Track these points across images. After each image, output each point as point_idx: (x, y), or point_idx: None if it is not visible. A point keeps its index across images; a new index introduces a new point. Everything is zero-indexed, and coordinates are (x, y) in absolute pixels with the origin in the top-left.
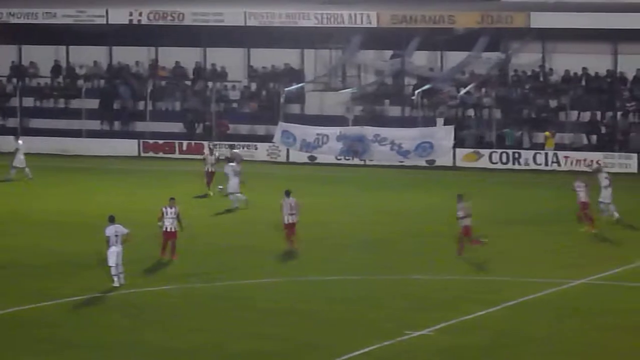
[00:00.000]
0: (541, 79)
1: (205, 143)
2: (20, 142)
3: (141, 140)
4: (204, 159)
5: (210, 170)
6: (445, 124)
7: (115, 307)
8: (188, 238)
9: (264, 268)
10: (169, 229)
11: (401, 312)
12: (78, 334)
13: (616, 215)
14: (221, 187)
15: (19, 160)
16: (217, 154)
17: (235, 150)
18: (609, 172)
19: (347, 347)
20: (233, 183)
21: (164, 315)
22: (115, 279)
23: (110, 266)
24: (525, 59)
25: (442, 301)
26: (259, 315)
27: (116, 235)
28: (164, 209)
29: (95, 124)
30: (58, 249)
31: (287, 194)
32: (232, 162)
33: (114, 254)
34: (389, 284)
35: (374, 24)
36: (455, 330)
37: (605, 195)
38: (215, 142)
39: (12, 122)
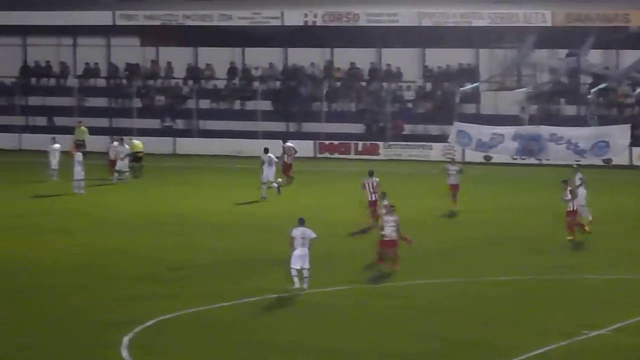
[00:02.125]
0: None
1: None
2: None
3: (317, 141)
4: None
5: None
6: (621, 122)
7: (289, 308)
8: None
9: (426, 269)
10: (389, 237)
11: (576, 312)
12: (251, 336)
13: (589, 218)
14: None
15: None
16: None
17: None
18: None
19: (519, 347)
20: (268, 173)
21: (331, 317)
22: (296, 280)
23: (292, 268)
24: None
25: (618, 301)
26: (419, 314)
27: (302, 238)
28: (384, 218)
29: (270, 125)
30: (224, 249)
31: (371, 173)
32: (268, 152)
33: (298, 257)
34: (561, 284)
35: (549, 23)
36: (634, 330)
37: (580, 197)
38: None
39: (188, 124)
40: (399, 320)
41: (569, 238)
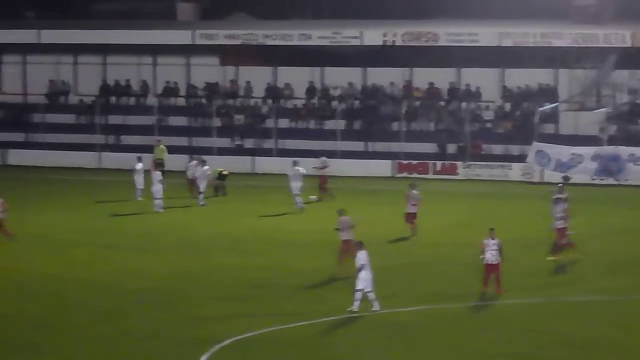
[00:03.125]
0: None
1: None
2: (205, 167)
3: (395, 161)
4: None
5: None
6: None
7: (369, 327)
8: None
9: (519, 288)
10: (490, 261)
11: None
12: (330, 355)
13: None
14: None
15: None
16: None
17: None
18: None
19: None
20: (296, 186)
21: (414, 335)
22: (357, 303)
23: (356, 290)
24: None
25: None
26: (512, 335)
27: (367, 261)
28: (485, 241)
29: (349, 145)
30: (305, 268)
31: (412, 186)
32: (297, 165)
33: (364, 280)
34: None
35: (629, 43)
36: None
37: (556, 211)
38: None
39: (267, 143)
40: (483, 340)
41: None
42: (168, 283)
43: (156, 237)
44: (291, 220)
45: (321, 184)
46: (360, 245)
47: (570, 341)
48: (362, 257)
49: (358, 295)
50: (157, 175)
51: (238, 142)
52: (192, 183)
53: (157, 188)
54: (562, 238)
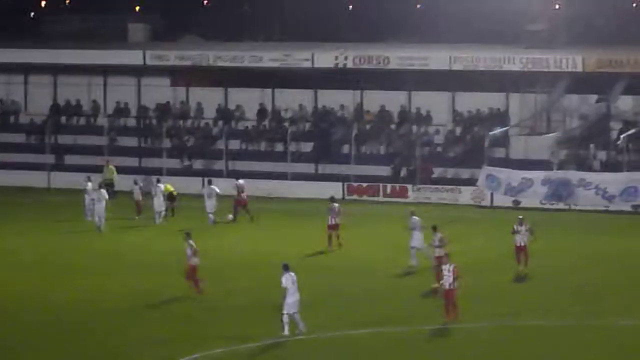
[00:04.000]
0: None
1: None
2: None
3: (345, 183)
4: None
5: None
6: None
7: (319, 349)
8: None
9: (471, 313)
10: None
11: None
12: None
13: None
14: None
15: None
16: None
17: (241, 182)
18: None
19: None
20: (210, 204)
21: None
22: (286, 327)
23: (284, 314)
24: None
25: None
26: None
27: (293, 284)
28: (443, 267)
29: (300, 167)
30: (253, 289)
31: (435, 228)
32: (211, 184)
33: (291, 304)
34: (595, 330)
35: (580, 69)
36: None
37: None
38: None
39: (218, 165)
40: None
41: (435, 286)
42: (124, 304)
43: (112, 257)
44: (239, 241)
45: (236, 204)
46: (286, 267)
47: None
48: (287, 280)
49: (285, 318)
50: (102, 193)
51: (187, 163)
52: (138, 204)
53: (100, 206)
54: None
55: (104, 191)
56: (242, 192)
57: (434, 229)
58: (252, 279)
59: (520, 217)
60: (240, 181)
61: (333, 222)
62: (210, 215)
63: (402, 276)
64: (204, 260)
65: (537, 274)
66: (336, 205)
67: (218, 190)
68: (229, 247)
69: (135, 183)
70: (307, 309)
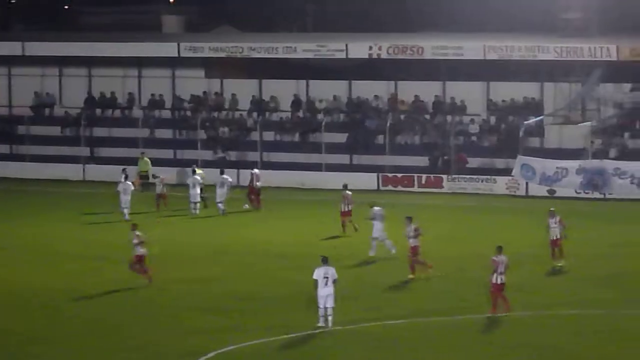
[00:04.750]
0: None
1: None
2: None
3: (380, 174)
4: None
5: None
6: None
7: (355, 340)
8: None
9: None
10: (498, 281)
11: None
12: None
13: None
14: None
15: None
16: None
17: (256, 171)
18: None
19: None
20: (221, 192)
21: (401, 349)
22: (322, 319)
23: (319, 307)
24: None
25: None
26: (502, 349)
27: (325, 277)
28: (494, 258)
29: (334, 158)
30: (298, 281)
31: (410, 219)
32: (224, 173)
33: (322, 297)
34: (631, 320)
35: (614, 57)
36: None
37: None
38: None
39: (252, 156)
40: (472, 355)
41: (410, 277)
42: (156, 295)
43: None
44: (275, 231)
45: (250, 193)
46: (324, 260)
47: (561, 355)
48: (318, 272)
49: (321, 311)
50: (129, 186)
51: (221, 155)
52: (160, 197)
53: (126, 199)
54: (414, 256)
55: (129, 183)
56: (258, 181)
57: (409, 219)
58: (289, 269)
59: (552, 209)
60: (256, 170)
61: (346, 209)
62: (220, 205)
63: (437, 267)
64: (242, 251)
65: (572, 264)
66: (349, 193)
67: (230, 180)
68: (263, 237)
69: (155, 176)
70: (342, 300)
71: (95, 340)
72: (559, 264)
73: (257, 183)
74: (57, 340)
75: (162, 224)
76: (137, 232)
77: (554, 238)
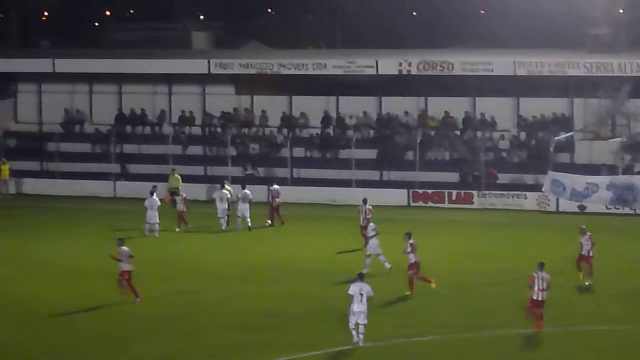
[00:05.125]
0: None
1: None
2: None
3: (410, 190)
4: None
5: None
6: None
7: (382, 358)
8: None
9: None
10: (538, 298)
11: None
12: None
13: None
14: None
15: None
16: None
17: (275, 187)
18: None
19: None
20: (243, 208)
21: None
22: (354, 333)
23: (349, 322)
24: None
25: None
26: None
27: (361, 294)
28: (534, 274)
29: (364, 174)
30: (329, 297)
31: (365, 201)
32: (245, 189)
33: (356, 313)
34: None
35: None
36: None
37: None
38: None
39: (282, 172)
40: None
41: (407, 293)
42: (182, 311)
43: (172, 265)
44: (307, 248)
45: (271, 210)
46: (360, 277)
47: None
48: (354, 288)
49: (352, 325)
50: (155, 201)
51: (250, 171)
52: (181, 215)
53: (152, 214)
54: (415, 273)
55: (156, 198)
56: (277, 197)
57: (408, 235)
58: (317, 286)
59: (583, 226)
60: (275, 186)
61: (365, 224)
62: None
63: (465, 282)
64: (271, 266)
65: (601, 279)
66: (369, 207)
67: (251, 196)
68: (292, 253)
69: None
70: (373, 315)
71: (117, 356)
72: (587, 282)
73: (277, 199)
74: (77, 356)
75: (186, 239)
76: (124, 247)
77: (585, 254)
